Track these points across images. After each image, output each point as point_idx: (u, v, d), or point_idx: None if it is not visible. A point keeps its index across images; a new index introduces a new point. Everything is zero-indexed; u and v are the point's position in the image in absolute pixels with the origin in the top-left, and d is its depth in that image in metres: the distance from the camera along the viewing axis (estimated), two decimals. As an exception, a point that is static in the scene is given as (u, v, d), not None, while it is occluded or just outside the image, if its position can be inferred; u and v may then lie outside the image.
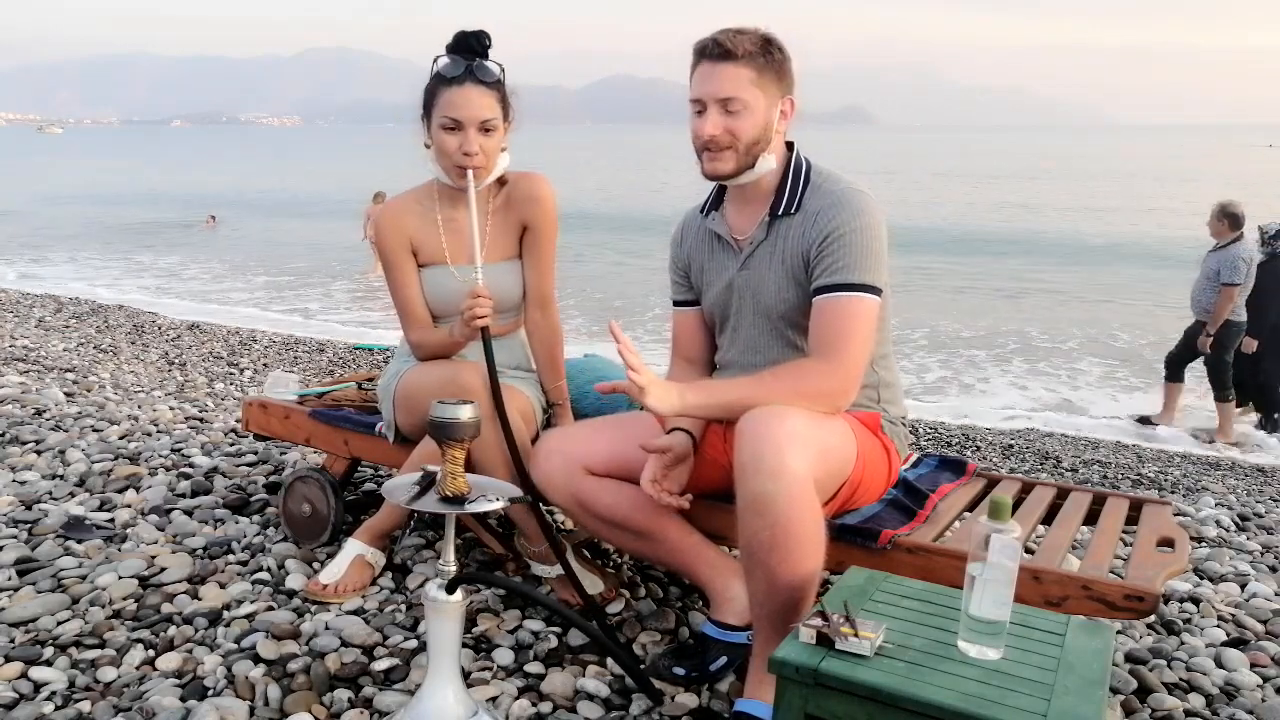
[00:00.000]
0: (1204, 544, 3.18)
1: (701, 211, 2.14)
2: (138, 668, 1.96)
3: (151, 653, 2.01)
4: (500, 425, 2.06)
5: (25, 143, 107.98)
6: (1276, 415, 7.13)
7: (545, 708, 1.87)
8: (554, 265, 2.42)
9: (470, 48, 2.20)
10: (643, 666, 2.02)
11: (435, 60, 2.23)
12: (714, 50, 1.87)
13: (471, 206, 2.16)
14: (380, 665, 1.98)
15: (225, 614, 2.18)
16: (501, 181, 2.35)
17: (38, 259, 17.15)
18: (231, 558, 2.48)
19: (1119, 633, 2.29)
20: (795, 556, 1.65)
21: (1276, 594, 2.65)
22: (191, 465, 3.14)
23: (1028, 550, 2.09)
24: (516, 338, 2.47)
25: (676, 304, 2.22)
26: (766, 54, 1.88)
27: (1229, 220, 6.59)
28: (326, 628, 2.12)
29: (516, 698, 1.89)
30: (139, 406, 4.34)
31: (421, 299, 2.35)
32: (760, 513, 1.64)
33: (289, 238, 20.56)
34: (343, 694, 1.88)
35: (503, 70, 2.23)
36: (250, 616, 2.16)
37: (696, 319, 2.18)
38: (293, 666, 1.95)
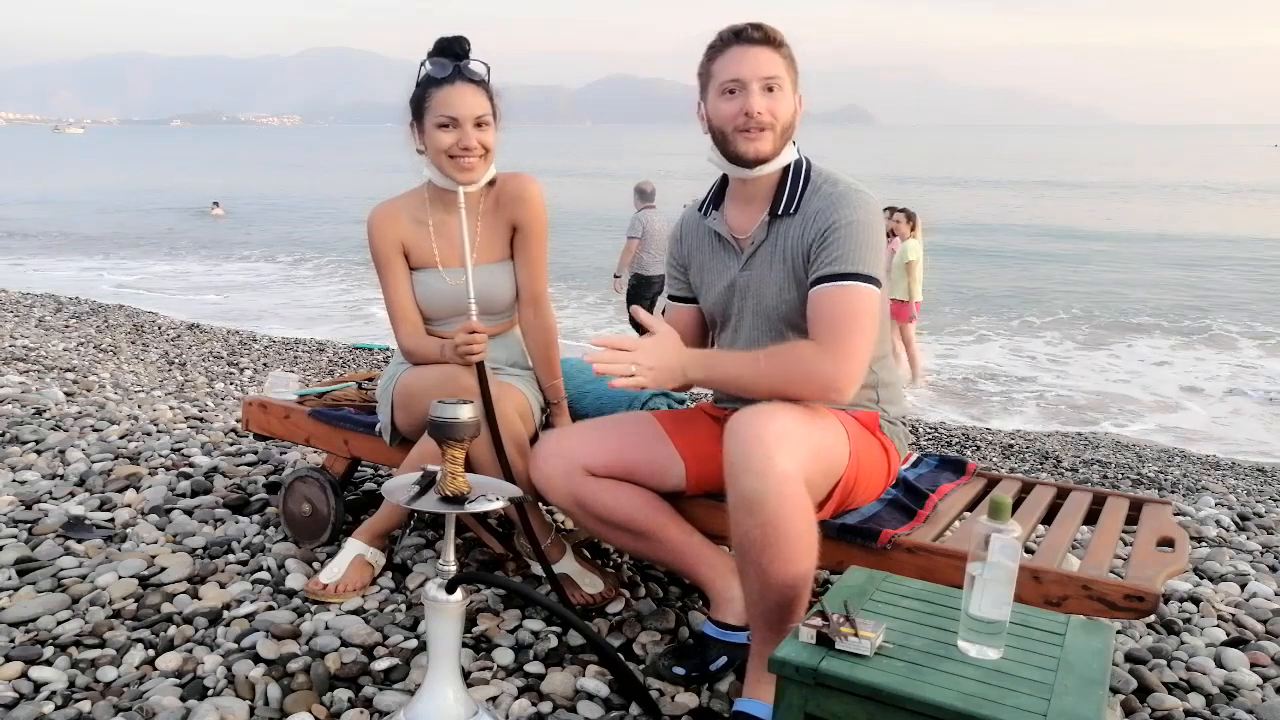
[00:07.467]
0: (1204, 544, 3.18)
1: (700, 210, 2.14)
2: (138, 667, 1.96)
3: (151, 652, 2.01)
4: (497, 456, 2.06)
5: (46, 144, 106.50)
6: None
7: (545, 708, 1.87)
8: (545, 264, 2.43)
9: (454, 52, 2.22)
10: (642, 667, 2.02)
11: (421, 65, 2.24)
12: (753, 34, 1.91)
13: (462, 214, 2.15)
14: (380, 665, 1.97)
15: (225, 614, 2.18)
16: (490, 183, 2.35)
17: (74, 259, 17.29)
18: (231, 557, 2.48)
19: (1119, 632, 2.29)
20: (787, 555, 1.65)
21: (1276, 594, 2.65)
22: (191, 465, 3.14)
23: (1028, 550, 2.09)
24: (512, 335, 2.47)
25: (673, 299, 2.23)
26: (788, 46, 1.95)
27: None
28: (326, 627, 2.12)
29: (516, 698, 1.89)
30: (139, 406, 4.35)
31: (413, 302, 2.36)
32: (751, 512, 1.64)
33: (297, 228, 20.71)
34: (343, 694, 1.88)
35: (488, 70, 2.24)
36: (250, 616, 2.16)
37: (692, 315, 2.19)
38: (293, 666, 1.95)
